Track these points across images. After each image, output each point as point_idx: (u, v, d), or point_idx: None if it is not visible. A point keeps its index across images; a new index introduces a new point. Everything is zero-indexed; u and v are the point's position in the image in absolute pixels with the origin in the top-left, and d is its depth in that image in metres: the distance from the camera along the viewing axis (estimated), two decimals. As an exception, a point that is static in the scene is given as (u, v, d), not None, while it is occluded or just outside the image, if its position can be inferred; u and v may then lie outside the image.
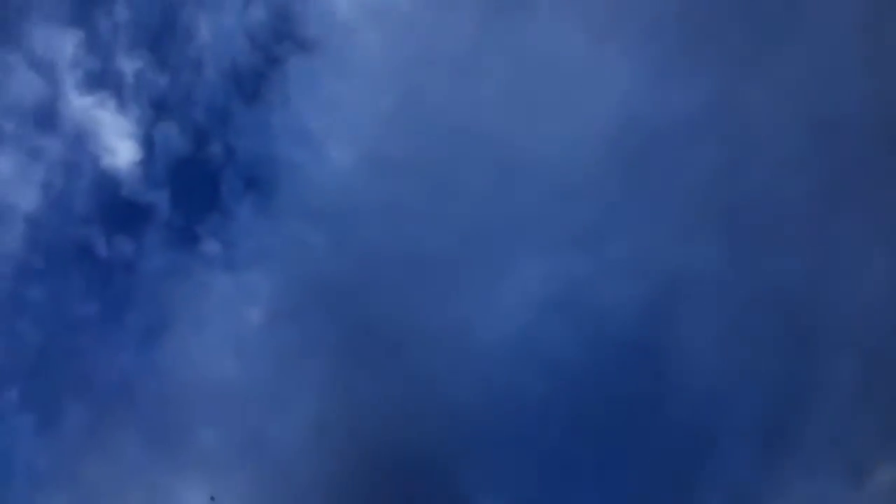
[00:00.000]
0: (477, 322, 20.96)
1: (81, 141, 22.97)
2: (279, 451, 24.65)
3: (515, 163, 20.55)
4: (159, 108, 22.92)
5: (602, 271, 19.60)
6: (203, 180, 23.01)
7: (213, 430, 24.75)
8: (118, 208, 22.94)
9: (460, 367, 21.54)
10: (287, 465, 24.99)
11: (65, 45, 22.76)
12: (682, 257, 19.24)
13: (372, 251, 21.91)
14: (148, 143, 22.81)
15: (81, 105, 22.94)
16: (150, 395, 24.95)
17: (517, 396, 21.98)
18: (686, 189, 19.27)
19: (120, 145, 22.99)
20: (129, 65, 22.82)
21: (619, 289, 19.58)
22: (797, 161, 19.82)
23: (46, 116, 22.87)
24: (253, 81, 22.82)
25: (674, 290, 19.66)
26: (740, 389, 21.11)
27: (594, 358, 20.80)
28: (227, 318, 24.11)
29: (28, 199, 23.02)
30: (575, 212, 20.20)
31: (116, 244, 23.27)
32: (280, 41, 22.87)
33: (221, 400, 24.47)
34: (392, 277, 21.73)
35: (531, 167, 20.56)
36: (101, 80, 22.85)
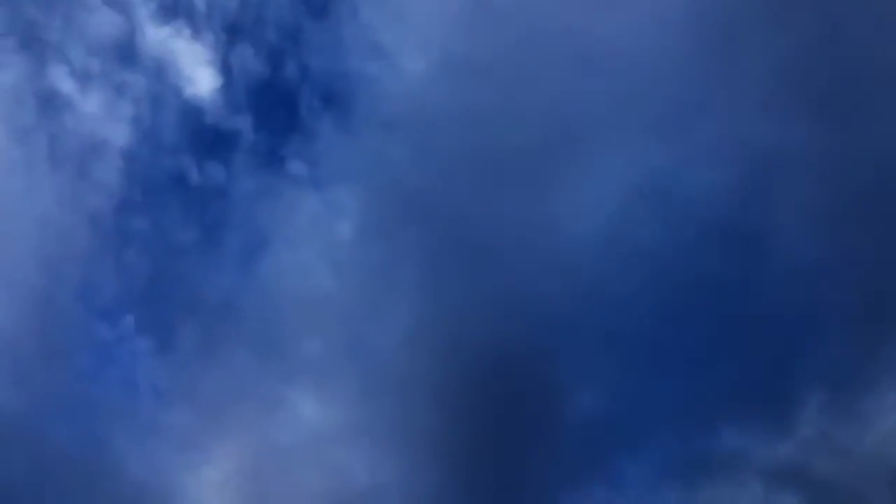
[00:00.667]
0: (564, 217, 21.06)
1: (162, 73, 23.52)
2: (379, 356, 25.85)
3: (594, 54, 20.12)
4: (232, 33, 23.20)
5: (690, 156, 19.31)
6: (282, 101, 23.44)
7: (316, 340, 26.08)
8: (204, 136, 23.68)
9: (549, 264, 21.84)
10: (387, 368, 26.24)
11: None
12: (773, 137, 18.73)
13: (454, 157, 22.11)
14: (226, 69, 23.22)
15: (158, 37, 23.40)
16: (253, 312, 26.34)
17: (607, 289, 22.24)
18: (776, 65, 18.57)
19: (199, 73, 23.48)
20: (199, -9, 23.05)
21: (709, 173, 19.28)
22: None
23: (127, 52, 23.43)
24: (321, -3, 22.76)
25: (766, 172, 19.23)
26: (840, 272, 20.74)
27: (685, 246, 20.73)
28: (318, 235, 24.95)
29: (120, 135, 23.97)
30: (658, 98, 19.80)
31: (207, 171, 24.12)
32: (344, -47, 22.63)
33: (321, 311, 25.64)
34: (475, 181, 21.96)
35: (610, 57, 20.12)
36: (174, 10, 23.16)
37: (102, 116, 23.60)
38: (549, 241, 22.19)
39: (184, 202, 24.52)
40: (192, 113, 23.38)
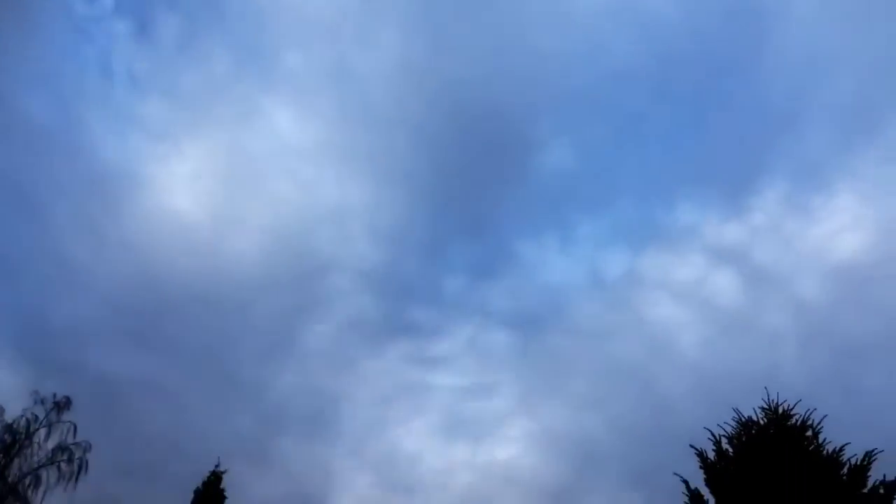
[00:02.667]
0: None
1: None
2: (364, 83, 25.70)
3: None
4: None
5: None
6: None
7: (300, 55, 25.66)
8: None
9: (552, 18, 21.25)
10: (371, 97, 26.19)
11: None
12: None
13: None
14: None
15: None
16: (238, 12, 25.60)
17: (603, 55, 21.92)
18: None
19: None
20: None
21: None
22: None
23: None
24: None
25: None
26: (836, 70, 20.36)
27: (691, 19, 20.16)
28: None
29: None
30: None
31: None
32: None
33: (308, 26, 24.98)
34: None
35: None
36: None
37: None
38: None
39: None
40: None
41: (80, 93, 41.87)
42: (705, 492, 10.96)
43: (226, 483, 19.33)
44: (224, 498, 19.14)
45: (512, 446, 46.98)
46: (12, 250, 37.95)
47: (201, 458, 19.65)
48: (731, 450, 11.34)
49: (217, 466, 19.20)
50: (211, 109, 44.88)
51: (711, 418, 11.31)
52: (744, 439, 11.26)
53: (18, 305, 35.46)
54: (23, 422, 21.83)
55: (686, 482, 10.98)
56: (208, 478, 19.24)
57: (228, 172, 46.35)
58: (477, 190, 51.25)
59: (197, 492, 18.93)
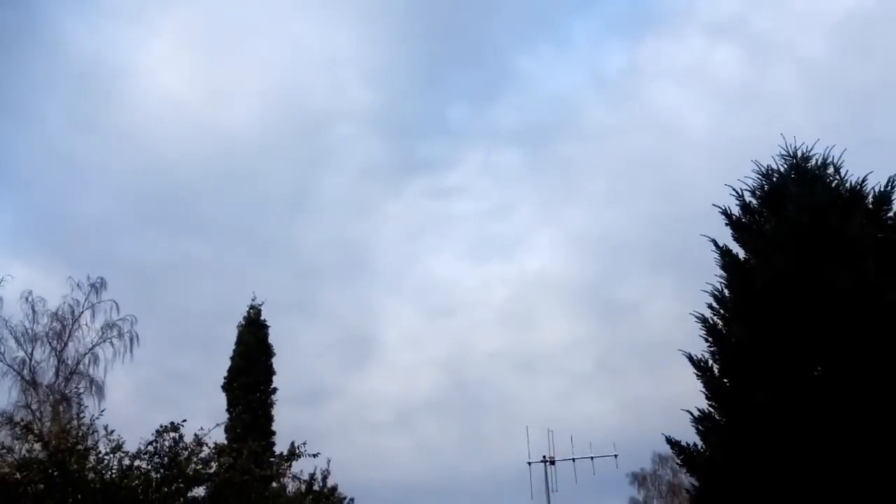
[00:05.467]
0: None
1: None
2: None
3: None
4: None
5: None
6: None
7: None
8: None
9: None
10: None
11: None
12: None
13: None
14: None
15: None
16: None
17: None
18: None
19: None
20: None
21: None
22: None
23: None
24: None
25: None
26: None
27: None
28: None
29: None
30: None
31: None
32: None
33: None
34: None
35: None
36: None
37: None
38: None
39: None
40: None
41: None
42: (734, 247, 11.08)
43: (266, 317, 20.09)
44: (266, 326, 19.97)
45: (540, 256, 48.12)
46: (14, 159, 37.52)
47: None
48: (754, 202, 11.30)
49: (253, 299, 19.89)
50: None
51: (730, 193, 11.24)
52: (766, 188, 11.18)
53: (36, 209, 35.55)
54: (66, 307, 22.56)
55: (714, 241, 11.07)
56: (248, 312, 19.99)
57: (210, 42, 44.54)
58: (463, 12, 48.95)
59: (239, 326, 19.77)
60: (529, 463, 23.66)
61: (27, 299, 22.33)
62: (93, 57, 40.46)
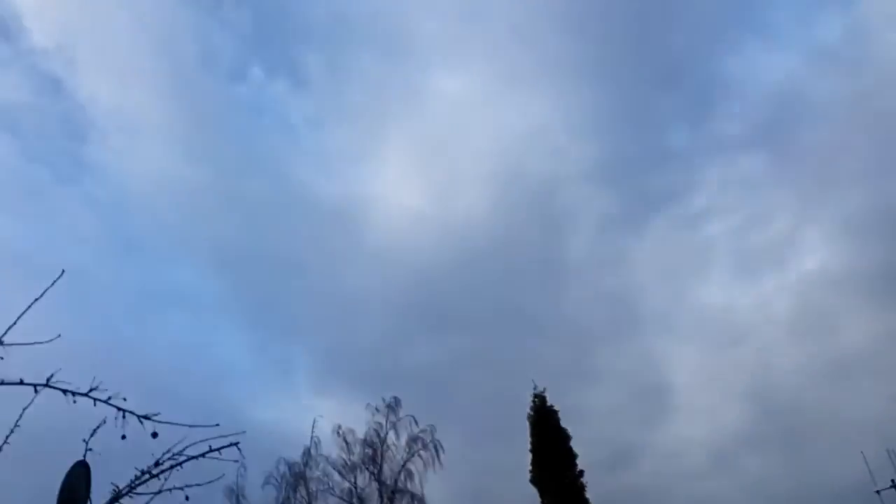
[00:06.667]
0: None
1: None
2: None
3: None
4: None
5: None
6: None
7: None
8: None
9: None
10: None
11: None
12: None
13: None
14: None
15: None
16: (369, 10, 25.75)
17: None
18: None
19: None
20: None
21: None
22: None
23: None
24: None
25: None
26: None
27: None
28: None
29: None
30: None
31: None
32: None
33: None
34: None
35: None
36: None
37: None
38: None
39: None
40: None
41: (277, 152, 45.76)
42: None
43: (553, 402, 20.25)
44: (555, 412, 20.10)
45: (816, 253, 43.94)
46: (297, 307, 42.11)
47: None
48: None
49: (535, 389, 20.20)
50: (384, 108, 46.57)
51: None
52: None
53: (325, 347, 39.39)
54: (371, 432, 24.52)
55: None
56: (533, 401, 20.30)
57: (427, 152, 47.98)
58: (650, 38, 48.05)
59: (529, 417, 20.10)
60: (878, 491, 21.07)
61: (338, 433, 24.59)
62: (339, 199, 45.04)
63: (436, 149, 46.98)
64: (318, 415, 24.22)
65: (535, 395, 20.20)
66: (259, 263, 41.78)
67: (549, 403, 20.05)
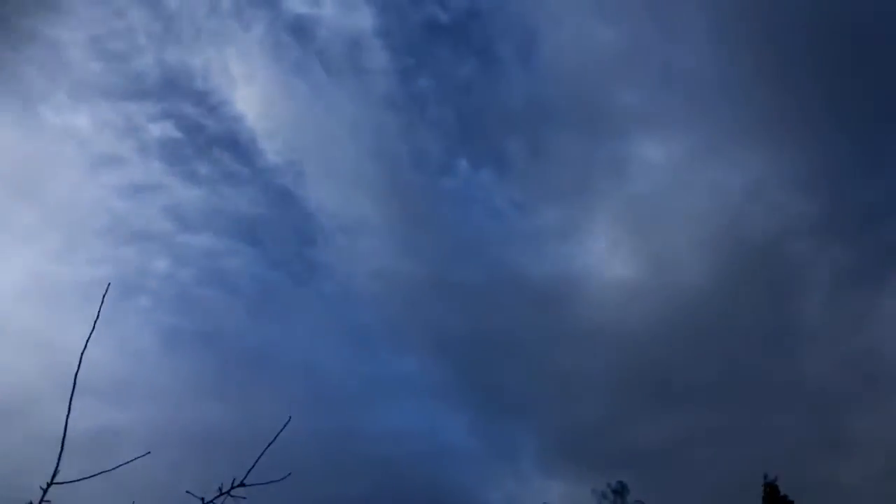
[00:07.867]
0: None
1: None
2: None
3: None
4: None
5: None
6: None
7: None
8: None
9: None
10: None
11: None
12: None
13: None
14: None
15: None
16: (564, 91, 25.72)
17: None
18: None
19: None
20: None
21: None
22: None
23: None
24: None
25: None
26: None
27: None
28: None
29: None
30: None
31: None
32: None
33: None
34: None
35: None
36: None
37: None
38: None
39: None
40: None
41: (485, 241, 47.77)
42: None
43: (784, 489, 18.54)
44: (791, 502, 18.31)
45: None
46: (521, 395, 42.44)
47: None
48: None
49: (765, 478, 18.56)
50: (588, 182, 47.55)
51: None
52: None
53: (550, 429, 39.07)
54: None
55: None
56: (764, 489, 18.66)
57: (637, 224, 47.47)
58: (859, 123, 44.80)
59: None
60: None
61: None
62: (551, 277, 45.40)
63: (646, 218, 46.04)
64: (544, 502, 23.95)
65: (766, 485, 18.56)
66: (477, 347, 42.74)
67: (781, 493, 18.31)
